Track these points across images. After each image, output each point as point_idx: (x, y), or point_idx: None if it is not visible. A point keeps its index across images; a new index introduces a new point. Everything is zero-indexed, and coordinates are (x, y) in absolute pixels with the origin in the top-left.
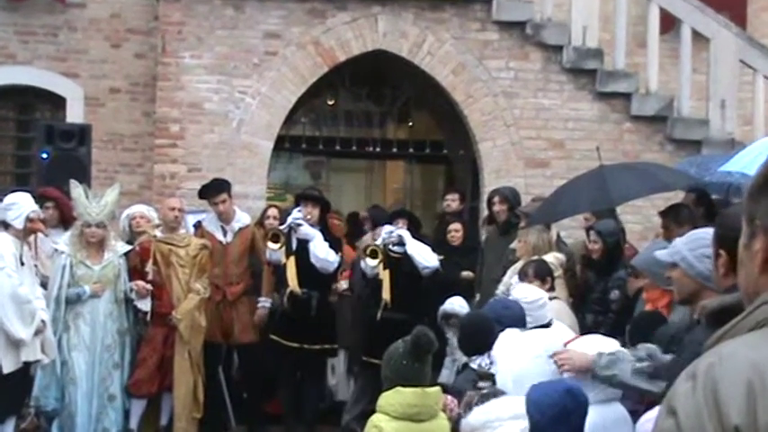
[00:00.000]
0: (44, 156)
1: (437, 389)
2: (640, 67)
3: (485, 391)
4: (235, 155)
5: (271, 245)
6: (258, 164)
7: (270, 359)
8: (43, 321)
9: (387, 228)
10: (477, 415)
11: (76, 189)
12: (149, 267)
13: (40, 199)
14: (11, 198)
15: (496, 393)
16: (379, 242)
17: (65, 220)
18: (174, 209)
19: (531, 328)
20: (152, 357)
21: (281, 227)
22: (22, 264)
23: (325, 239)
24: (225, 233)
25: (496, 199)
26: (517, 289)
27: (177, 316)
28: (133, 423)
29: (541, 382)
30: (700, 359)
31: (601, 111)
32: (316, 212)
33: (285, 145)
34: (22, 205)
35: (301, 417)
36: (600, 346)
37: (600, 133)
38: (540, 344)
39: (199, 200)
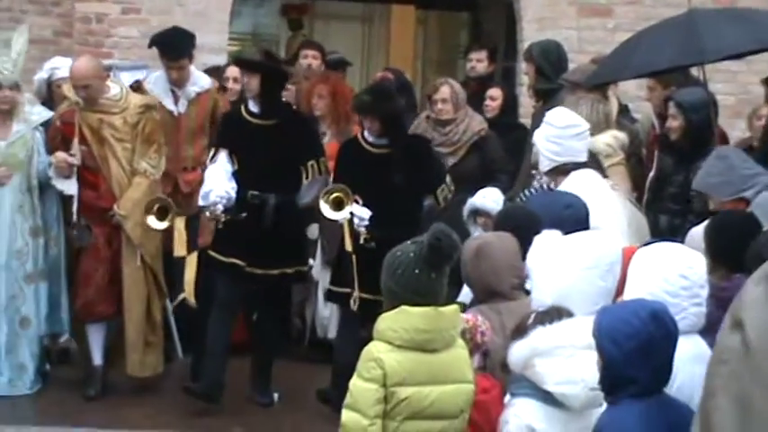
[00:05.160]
0: None
1: (455, 308)
2: None
3: (544, 310)
4: None
5: (152, 221)
6: (217, 5)
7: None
8: None
9: (360, 212)
10: (541, 338)
11: None
12: (74, 147)
13: None
14: None
15: (562, 314)
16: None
17: None
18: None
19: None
20: (98, 270)
21: (205, 203)
22: None
23: (288, 125)
24: (176, 100)
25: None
26: (549, 113)
27: (120, 211)
28: (96, 357)
29: (615, 304)
30: None
31: None
32: (255, 83)
33: None
34: None
35: (258, 357)
36: (676, 259)
37: None
38: (589, 252)
39: (139, 51)
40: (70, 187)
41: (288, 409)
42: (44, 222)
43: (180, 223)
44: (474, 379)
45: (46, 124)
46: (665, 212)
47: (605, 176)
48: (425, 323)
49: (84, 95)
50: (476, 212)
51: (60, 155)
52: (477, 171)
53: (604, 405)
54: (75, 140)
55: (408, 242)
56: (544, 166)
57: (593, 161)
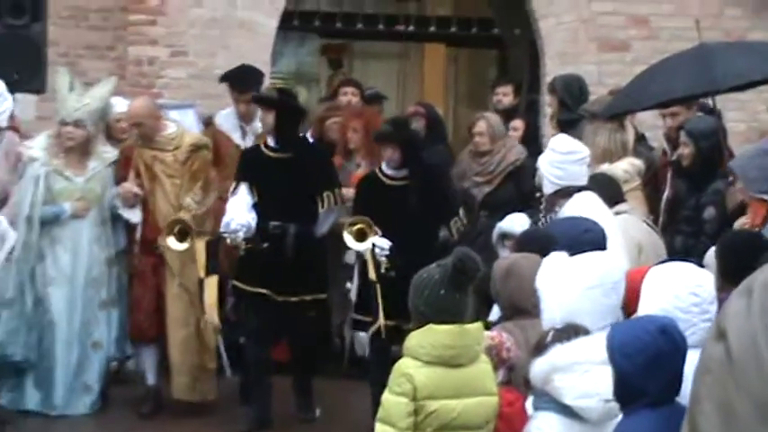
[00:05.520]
0: None
1: (478, 325)
2: None
3: (561, 328)
4: (230, 35)
5: (172, 242)
6: (259, 47)
7: None
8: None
9: (381, 242)
10: (559, 355)
11: (62, 78)
12: (131, 180)
13: None
14: None
15: (578, 331)
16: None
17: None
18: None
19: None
20: (145, 296)
21: (226, 231)
22: None
23: (304, 158)
24: (244, 134)
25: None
26: (552, 140)
27: (164, 243)
28: (150, 377)
29: (625, 320)
30: (756, 273)
31: None
32: (271, 118)
33: (294, 23)
34: (6, 97)
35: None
36: (687, 277)
37: (694, 7)
38: (593, 272)
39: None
40: (135, 216)
41: (330, 423)
42: (115, 252)
43: (200, 245)
44: (498, 392)
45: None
46: (680, 234)
47: (624, 200)
48: (451, 340)
49: (138, 133)
50: (504, 236)
51: (126, 185)
52: (513, 199)
53: (620, 417)
54: (132, 174)
55: (433, 265)
56: (548, 189)
57: (615, 186)
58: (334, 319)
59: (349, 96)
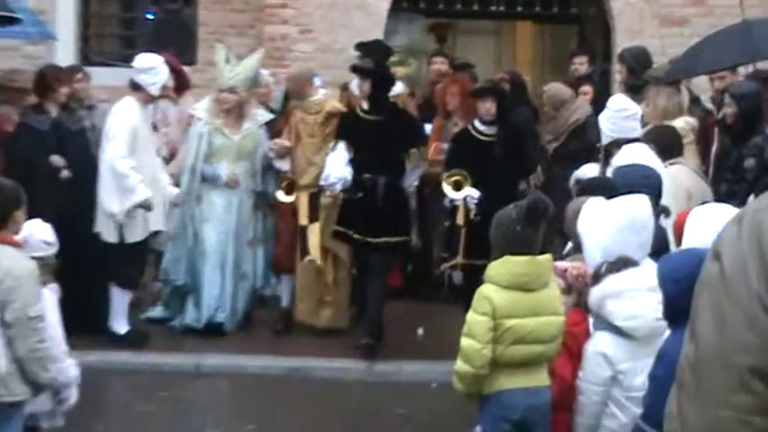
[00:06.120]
0: (149, 17)
1: (547, 257)
2: None
3: (613, 261)
4: (349, 15)
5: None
6: (373, 25)
7: None
8: (146, 199)
9: (473, 192)
10: (611, 283)
11: (219, 52)
12: (284, 135)
13: None
14: (146, 60)
15: (627, 263)
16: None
17: (181, 87)
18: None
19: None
20: (286, 231)
21: (326, 184)
22: (156, 130)
23: (393, 120)
24: None
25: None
26: (610, 99)
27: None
28: (284, 301)
29: (674, 252)
30: (748, 205)
31: None
32: (367, 86)
33: (403, 5)
34: (160, 70)
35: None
36: (723, 216)
37: None
38: (623, 214)
39: (312, 63)
40: (285, 165)
41: (432, 339)
42: (264, 198)
43: (304, 197)
44: (567, 313)
45: (268, 123)
46: (725, 181)
47: (682, 153)
48: (524, 268)
49: (291, 94)
50: (578, 182)
51: (279, 140)
52: (579, 151)
53: (666, 333)
54: (286, 129)
55: (511, 205)
56: (604, 140)
57: (675, 138)
58: (436, 254)
59: (438, 65)
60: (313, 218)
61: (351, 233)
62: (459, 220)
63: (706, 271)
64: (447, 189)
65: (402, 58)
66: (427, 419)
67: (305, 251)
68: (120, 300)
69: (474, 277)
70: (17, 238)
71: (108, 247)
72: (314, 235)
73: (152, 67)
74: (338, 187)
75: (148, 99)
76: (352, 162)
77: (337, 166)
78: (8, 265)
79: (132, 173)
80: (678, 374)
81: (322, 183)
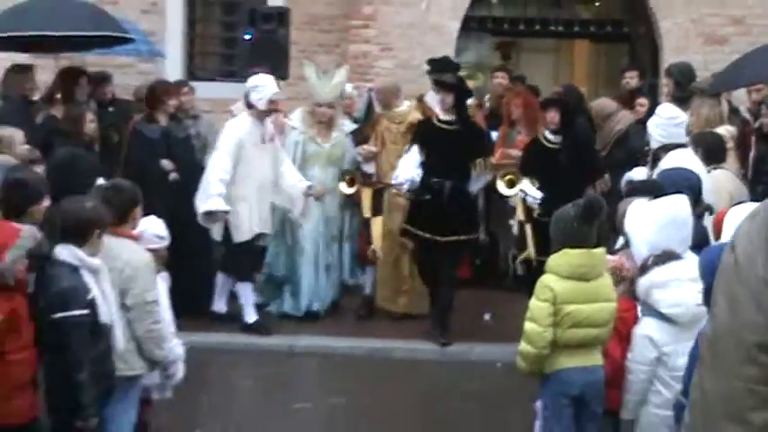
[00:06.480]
0: (247, 37)
1: (601, 250)
2: None
3: (659, 254)
4: (424, 35)
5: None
6: (445, 43)
7: None
8: (226, 212)
9: (529, 190)
10: (657, 274)
11: (309, 68)
12: (371, 142)
13: None
14: (255, 80)
15: (672, 256)
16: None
17: None
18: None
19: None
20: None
21: (395, 182)
22: (263, 142)
23: (466, 130)
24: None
25: (666, 74)
26: (658, 108)
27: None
28: (367, 288)
29: (713, 245)
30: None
31: None
32: (450, 99)
33: (472, 25)
34: (265, 87)
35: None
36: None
37: None
38: (666, 212)
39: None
40: (371, 168)
41: (498, 325)
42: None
43: (367, 192)
44: (618, 300)
45: (353, 132)
46: (761, 183)
47: (725, 159)
48: (581, 260)
49: (381, 103)
50: (628, 183)
51: (366, 146)
52: (623, 158)
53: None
54: (373, 135)
55: (570, 204)
56: (654, 145)
57: (720, 144)
58: (502, 248)
59: (499, 79)
60: (376, 211)
61: (418, 232)
62: (520, 215)
63: (723, 260)
64: (500, 186)
65: (471, 72)
66: (494, 395)
67: (369, 241)
68: (244, 292)
69: (535, 270)
70: (135, 232)
71: (224, 244)
72: (376, 227)
73: (256, 86)
74: (405, 187)
75: (260, 114)
76: (424, 165)
77: (408, 167)
78: (128, 257)
79: (216, 183)
80: (699, 351)
81: (392, 181)
